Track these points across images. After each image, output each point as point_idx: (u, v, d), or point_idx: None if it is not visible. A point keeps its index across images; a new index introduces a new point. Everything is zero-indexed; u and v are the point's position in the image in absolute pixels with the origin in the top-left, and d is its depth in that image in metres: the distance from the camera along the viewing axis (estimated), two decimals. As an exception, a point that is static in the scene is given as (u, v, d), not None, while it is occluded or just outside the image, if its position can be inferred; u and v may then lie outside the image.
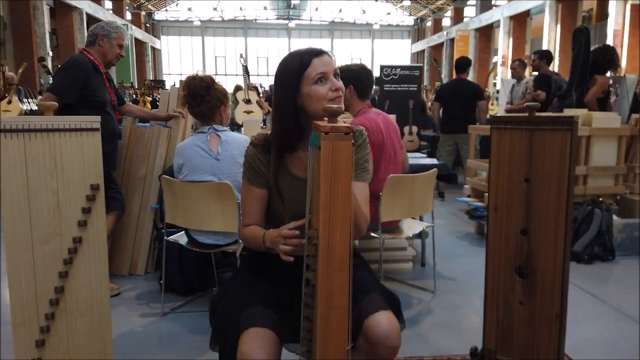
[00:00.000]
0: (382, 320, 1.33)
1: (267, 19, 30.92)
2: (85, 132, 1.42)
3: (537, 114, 1.68)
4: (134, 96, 15.05)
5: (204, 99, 2.47)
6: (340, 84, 1.42)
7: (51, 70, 7.04)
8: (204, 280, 2.87)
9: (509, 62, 15.17)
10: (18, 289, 1.40)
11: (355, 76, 2.60)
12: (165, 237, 2.55)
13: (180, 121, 3.19)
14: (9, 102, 6.15)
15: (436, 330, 2.50)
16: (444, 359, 2.16)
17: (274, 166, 1.47)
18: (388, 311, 1.37)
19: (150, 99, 14.24)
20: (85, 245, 1.45)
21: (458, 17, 25.08)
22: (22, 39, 15.95)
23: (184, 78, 2.78)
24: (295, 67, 1.40)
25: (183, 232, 2.57)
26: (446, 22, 27.54)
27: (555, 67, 16.18)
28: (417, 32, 31.26)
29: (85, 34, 18.32)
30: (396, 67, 6.32)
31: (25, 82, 7.14)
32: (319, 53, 1.42)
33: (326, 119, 1.17)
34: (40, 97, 9.77)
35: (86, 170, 1.43)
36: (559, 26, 16.64)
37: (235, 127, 6.07)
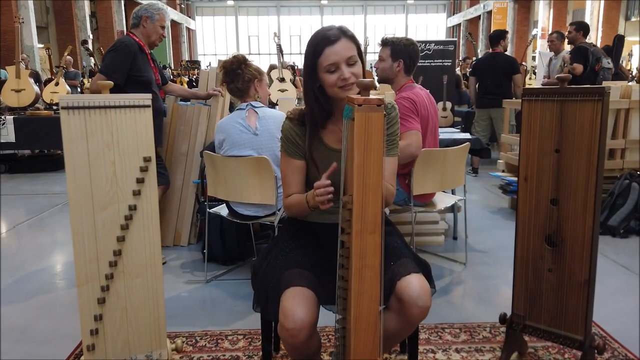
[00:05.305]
0: (414, 281, 1.42)
1: (299, -3, 30.64)
2: (138, 108, 1.55)
3: (573, 86, 1.71)
4: (171, 77, 15.35)
5: (236, 72, 2.58)
6: (349, 72, 1.45)
7: (93, 52, 7.31)
8: (243, 251, 3.03)
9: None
10: (81, 251, 1.55)
11: (407, 52, 2.68)
12: (208, 210, 2.70)
13: (219, 99, 3.32)
14: (56, 84, 6.43)
15: (467, 299, 2.58)
16: (474, 325, 2.23)
17: (309, 137, 1.56)
18: (419, 274, 1.46)
19: (187, 79, 14.50)
20: (139, 213, 1.59)
21: (496, -12, 24.18)
22: (63, 22, 16.50)
23: (218, 58, 2.90)
24: (310, 55, 1.49)
25: (224, 204, 2.71)
26: (483, -7, 26.53)
27: (598, 38, 15.53)
28: (453, 5, 30.25)
29: (124, 16, 18.69)
30: (430, 42, 6.26)
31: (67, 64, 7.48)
32: (332, 42, 1.46)
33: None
34: (81, 78, 10.14)
35: (139, 144, 1.56)
36: (603, -5, 15.90)
37: (270, 105, 6.20)
